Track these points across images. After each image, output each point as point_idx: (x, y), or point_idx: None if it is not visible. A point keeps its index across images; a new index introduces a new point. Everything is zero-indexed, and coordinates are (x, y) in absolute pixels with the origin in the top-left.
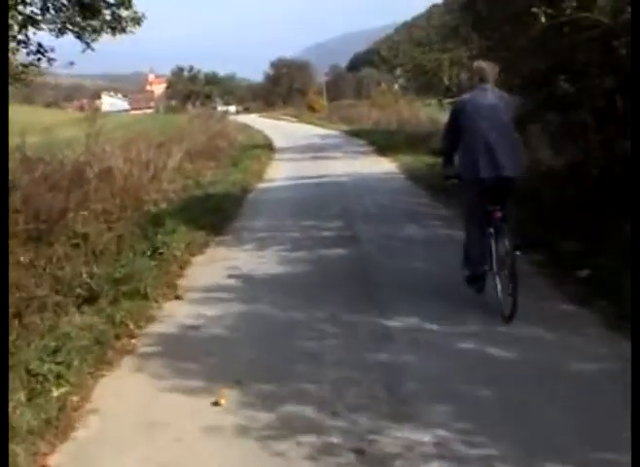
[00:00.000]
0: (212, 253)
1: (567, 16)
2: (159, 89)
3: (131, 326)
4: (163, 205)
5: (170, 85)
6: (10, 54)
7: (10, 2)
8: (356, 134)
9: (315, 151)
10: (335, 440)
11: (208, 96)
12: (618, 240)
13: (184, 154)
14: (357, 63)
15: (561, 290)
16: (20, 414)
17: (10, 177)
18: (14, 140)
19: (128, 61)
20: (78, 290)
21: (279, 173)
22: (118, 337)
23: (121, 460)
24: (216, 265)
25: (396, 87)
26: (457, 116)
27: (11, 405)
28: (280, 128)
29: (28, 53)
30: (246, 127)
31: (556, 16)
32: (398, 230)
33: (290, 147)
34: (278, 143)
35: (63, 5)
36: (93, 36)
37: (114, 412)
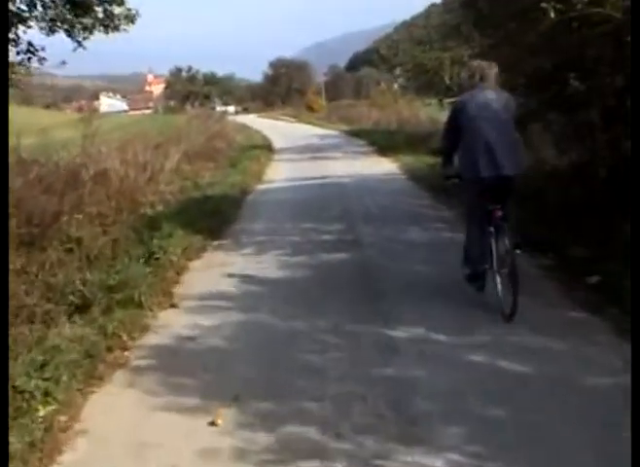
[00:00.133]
0: (210, 258)
1: (578, 10)
2: (157, 89)
3: (124, 337)
4: (160, 208)
5: (169, 85)
6: None
7: None
8: (356, 134)
9: (314, 151)
10: (339, 465)
11: (207, 97)
12: (626, 244)
13: (182, 155)
14: (356, 63)
15: (571, 296)
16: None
17: None
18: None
19: (127, 62)
20: (70, 298)
21: (278, 174)
22: (110, 349)
23: None
24: (213, 270)
25: (395, 86)
26: (457, 116)
27: None
28: (279, 129)
29: (18, 53)
30: (245, 128)
31: (566, 11)
32: (400, 232)
33: (289, 147)
34: (277, 143)
35: (52, 1)
36: (85, 34)
37: (104, 432)
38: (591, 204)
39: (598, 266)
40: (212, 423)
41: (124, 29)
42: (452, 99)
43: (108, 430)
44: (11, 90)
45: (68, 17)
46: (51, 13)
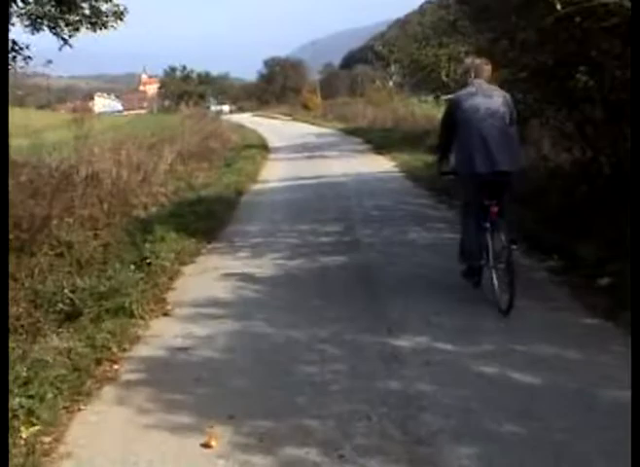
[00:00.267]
0: (204, 262)
1: (583, 2)
2: (152, 89)
3: (114, 349)
4: (154, 210)
5: (163, 85)
6: None
7: None
8: (352, 133)
9: (311, 150)
10: None
11: (201, 96)
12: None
13: (176, 155)
14: (350, 61)
15: (581, 300)
16: None
17: None
18: None
19: (122, 62)
20: (60, 305)
21: (274, 174)
22: (98, 362)
23: None
24: (208, 275)
25: (390, 84)
26: (452, 112)
27: None
28: (274, 127)
29: None
30: (240, 127)
31: (572, 2)
32: (400, 234)
33: (285, 146)
34: (273, 142)
35: None
36: (71, 32)
37: (90, 456)
38: (597, 203)
39: (608, 267)
40: (205, 445)
41: (113, 26)
42: (449, 96)
43: (94, 453)
44: None
45: (53, 13)
46: (33, 9)
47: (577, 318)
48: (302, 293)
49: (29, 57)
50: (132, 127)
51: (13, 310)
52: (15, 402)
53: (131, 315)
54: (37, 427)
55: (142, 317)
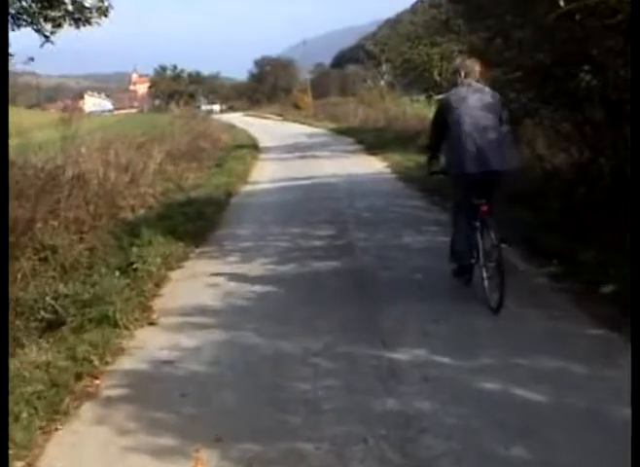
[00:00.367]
0: (192, 267)
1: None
2: (142, 88)
3: (96, 362)
4: (142, 212)
5: (153, 84)
6: None
7: None
8: (343, 132)
9: (302, 150)
10: None
11: (192, 96)
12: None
13: (165, 155)
14: (341, 61)
15: (585, 309)
16: None
17: None
18: None
19: (112, 61)
20: (42, 313)
21: (265, 175)
22: (79, 376)
23: None
24: (196, 281)
25: (382, 83)
26: (442, 112)
27: None
28: (266, 127)
29: None
30: (231, 127)
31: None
32: (394, 237)
33: (276, 146)
34: (264, 142)
35: None
36: (54, 28)
37: None
38: (597, 205)
39: (611, 273)
40: None
41: (97, 23)
42: (441, 96)
43: None
44: None
45: (33, 9)
46: (12, 4)
47: (580, 328)
48: (294, 300)
49: (10, 54)
50: (122, 127)
51: None
52: None
53: (115, 325)
54: (11, 451)
55: (126, 327)
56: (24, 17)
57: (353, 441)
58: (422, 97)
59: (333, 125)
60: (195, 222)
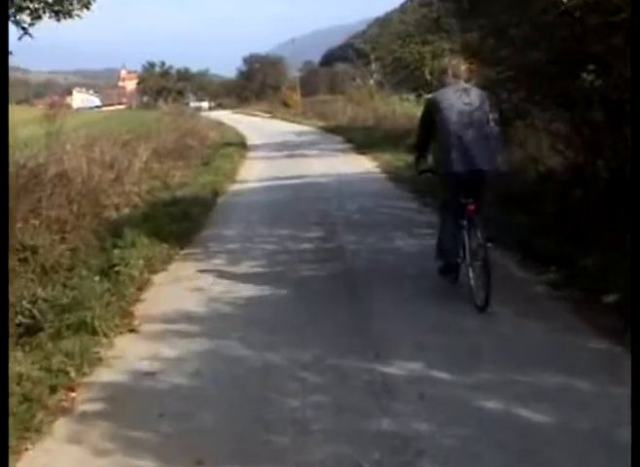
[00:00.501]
0: (176, 270)
1: None
2: (131, 85)
3: (72, 373)
4: (126, 211)
5: (141, 81)
6: None
7: None
8: (332, 131)
9: (291, 149)
10: None
11: (180, 92)
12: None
13: (151, 153)
14: (330, 59)
15: (586, 319)
16: None
17: None
18: None
19: (101, 58)
20: (19, 318)
21: (253, 174)
22: (53, 389)
23: None
24: (180, 285)
25: (371, 82)
26: (430, 112)
27: None
28: (254, 125)
29: None
30: (219, 124)
31: None
32: (385, 240)
33: (264, 144)
34: (252, 140)
35: None
36: (33, 21)
37: None
38: (594, 209)
39: (613, 280)
40: None
41: (78, 16)
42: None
43: None
44: None
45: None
46: None
47: (583, 341)
48: (281, 307)
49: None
50: (108, 124)
51: None
52: None
53: (94, 332)
54: None
55: (106, 334)
56: None
57: (345, 466)
58: (412, 96)
59: (321, 124)
60: (180, 222)
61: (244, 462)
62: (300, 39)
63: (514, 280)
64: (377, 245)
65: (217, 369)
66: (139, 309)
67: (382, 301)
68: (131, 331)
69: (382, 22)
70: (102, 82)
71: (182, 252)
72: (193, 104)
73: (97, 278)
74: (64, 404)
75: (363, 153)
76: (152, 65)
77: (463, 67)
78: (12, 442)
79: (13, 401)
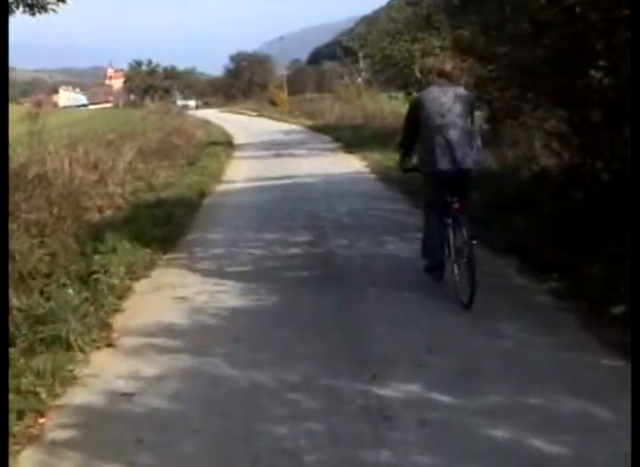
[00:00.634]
0: (159, 277)
1: None
2: (117, 83)
3: (43, 394)
4: (109, 213)
5: (128, 79)
6: None
7: None
8: (320, 130)
9: (278, 148)
10: None
11: (167, 91)
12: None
13: (136, 153)
14: (318, 57)
15: (595, 333)
16: None
17: None
18: None
19: (88, 56)
20: None
21: (240, 174)
22: (21, 414)
23: None
24: (162, 294)
25: (359, 80)
26: (415, 110)
27: None
28: (241, 123)
29: None
30: (205, 123)
31: None
32: (377, 245)
33: (251, 143)
34: (239, 139)
35: None
36: None
37: None
38: (595, 212)
39: (619, 290)
40: None
41: (53, 10)
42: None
43: None
44: None
45: None
46: None
47: (594, 358)
48: (269, 319)
49: None
50: (94, 122)
51: None
52: None
53: (69, 347)
54: None
55: (82, 349)
56: None
57: None
58: (400, 95)
59: (309, 122)
60: (164, 225)
61: None
62: (288, 37)
63: (514, 289)
64: (368, 250)
65: (199, 390)
66: (118, 321)
67: (376, 313)
68: (109, 345)
69: (370, 20)
70: (89, 80)
71: (165, 257)
72: (180, 103)
73: (76, 286)
74: (32, 431)
75: (351, 152)
76: (138, 63)
77: (448, 66)
78: None
79: None
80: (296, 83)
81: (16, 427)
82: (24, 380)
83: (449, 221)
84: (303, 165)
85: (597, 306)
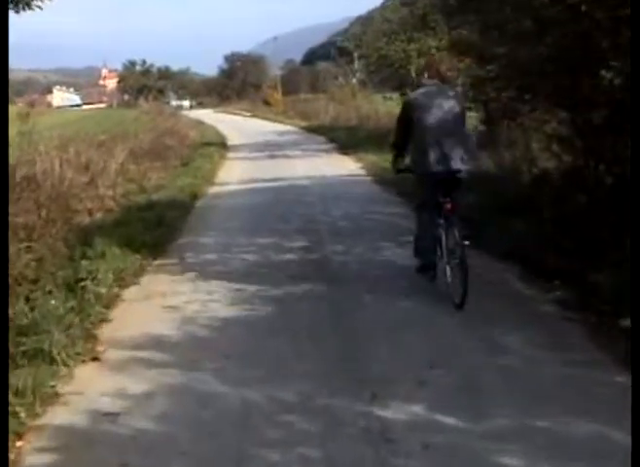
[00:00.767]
0: (148, 284)
1: None
2: (112, 83)
3: (22, 413)
4: (99, 216)
5: (122, 79)
6: None
7: None
8: (314, 130)
9: (272, 149)
10: None
11: (161, 91)
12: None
13: (128, 154)
14: (312, 58)
15: (604, 346)
16: None
17: None
18: None
19: (82, 56)
20: None
21: (233, 175)
22: None
23: None
24: (151, 303)
25: (354, 80)
26: (408, 111)
27: None
28: (235, 124)
29: None
30: (199, 123)
31: None
32: (374, 251)
33: (245, 144)
34: (233, 140)
35: None
36: None
37: None
38: (599, 216)
39: (629, 299)
40: None
41: (39, 7)
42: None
43: None
44: None
45: None
46: None
47: (605, 375)
48: (263, 330)
49: None
50: (86, 123)
51: None
52: None
53: (52, 361)
54: None
55: (65, 363)
56: None
57: None
58: (395, 95)
59: (304, 123)
60: (155, 229)
61: None
62: (282, 37)
63: (518, 298)
64: (366, 256)
65: (188, 410)
66: (105, 332)
67: (375, 324)
68: (94, 359)
69: (364, 21)
70: (83, 80)
71: (155, 262)
72: (174, 103)
73: (62, 294)
74: (10, 456)
75: (346, 153)
76: (132, 64)
77: (440, 67)
78: None
79: None
80: (290, 83)
81: None
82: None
83: (442, 221)
84: (298, 167)
85: (606, 317)
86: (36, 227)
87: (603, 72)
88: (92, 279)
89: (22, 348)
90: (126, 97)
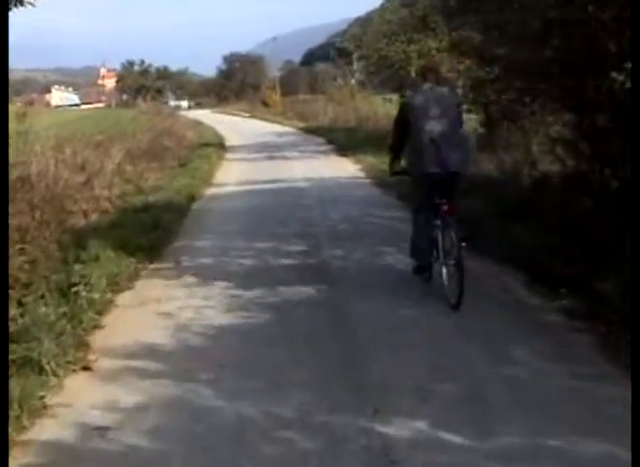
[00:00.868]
0: (143, 289)
1: None
2: (110, 83)
3: (8, 428)
4: (94, 217)
5: (120, 79)
6: None
7: None
8: (313, 132)
9: (271, 150)
10: None
11: (159, 91)
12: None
13: (125, 154)
14: (310, 59)
15: (614, 359)
16: None
17: None
18: None
19: (80, 56)
20: None
21: (231, 177)
22: None
23: None
24: (145, 309)
25: (353, 81)
26: (405, 113)
27: None
28: (233, 125)
29: None
30: (197, 124)
31: None
32: (374, 256)
33: (243, 145)
34: (231, 141)
35: None
36: None
37: None
38: (604, 222)
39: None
40: None
41: (30, 3)
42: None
43: None
44: None
45: None
46: None
47: (616, 390)
48: (260, 339)
49: None
50: (84, 123)
51: None
52: None
53: (41, 370)
54: None
55: (55, 373)
56: None
57: None
58: (394, 97)
59: (302, 124)
60: (150, 232)
61: None
62: (281, 38)
63: (524, 307)
64: (366, 261)
65: (182, 424)
66: (97, 339)
67: (375, 335)
68: (85, 369)
69: (363, 22)
70: (82, 80)
71: (151, 266)
72: (172, 103)
73: (54, 299)
74: None
75: (345, 155)
76: (131, 64)
77: (438, 69)
78: None
79: None
80: (288, 84)
81: None
82: None
83: (438, 222)
84: (296, 168)
85: (615, 327)
86: (30, 228)
87: (614, 74)
88: (85, 284)
89: (11, 357)
90: (125, 97)
